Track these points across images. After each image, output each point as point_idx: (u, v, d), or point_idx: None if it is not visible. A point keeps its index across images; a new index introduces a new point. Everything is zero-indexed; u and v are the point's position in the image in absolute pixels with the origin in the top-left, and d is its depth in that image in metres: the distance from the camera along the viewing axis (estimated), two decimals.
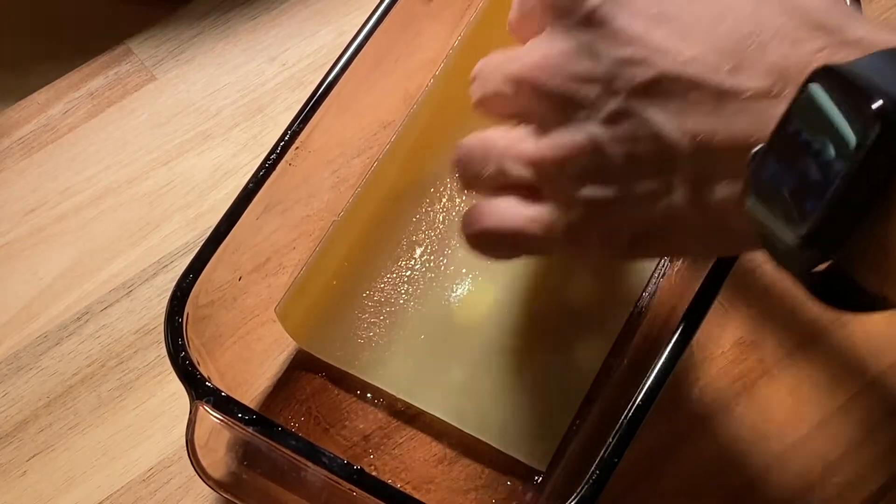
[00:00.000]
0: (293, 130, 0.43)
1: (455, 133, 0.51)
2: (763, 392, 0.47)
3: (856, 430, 0.46)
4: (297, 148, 0.43)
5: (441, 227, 0.49)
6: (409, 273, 0.48)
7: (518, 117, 0.38)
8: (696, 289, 0.40)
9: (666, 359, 0.38)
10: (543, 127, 0.36)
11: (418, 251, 0.48)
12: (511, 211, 0.38)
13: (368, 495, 0.37)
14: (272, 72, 0.56)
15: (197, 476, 0.40)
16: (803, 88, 0.28)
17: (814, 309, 0.49)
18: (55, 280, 0.50)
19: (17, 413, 0.47)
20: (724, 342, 0.48)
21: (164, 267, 0.50)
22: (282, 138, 0.42)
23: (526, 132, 0.37)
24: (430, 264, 0.48)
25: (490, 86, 0.38)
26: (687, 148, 0.32)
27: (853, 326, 0.48)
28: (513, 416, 0.45)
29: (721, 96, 0.31)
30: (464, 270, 0.48)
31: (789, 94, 0.30)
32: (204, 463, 0.41)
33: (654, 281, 0.48)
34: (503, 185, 0.38)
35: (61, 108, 0.54)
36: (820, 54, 0.30)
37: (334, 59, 0.44)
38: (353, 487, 0.37)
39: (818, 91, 0.28)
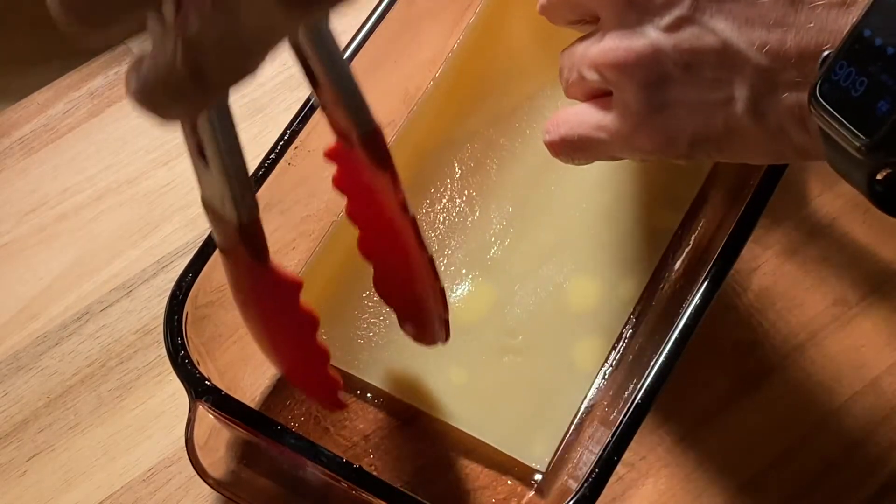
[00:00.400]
0: (293, 130, 0.43)
1: (456, 134, 0.51)
2: (763, 392, 0.47)
3: (856, 430, 0.46)
4: (296, 148, 0.43)
5: (441, 227, 0.49)
6: None
7: (585, 23, 0.38)
8: (698, 287, 0.40)
9: (665, 358, 0.38)
10: (608, 30, 0.36)
11: None
12: (580, 118, 0.38)
13: (368, 495, 0.37)
14: (272, 72, 0.56)
15: (197, 476, 0.40)
16: None
17: (814, 309, 0.49)
18: (55, 280, 0.50)
19: (17, 413, 0.47)
20: (724, 342, 0.48)
21: (164, 267, 0.50)
22: (281, 138, 0.42)
23: (596, 37, 0.37)
24: None
25: None
26: (753, 57, 0.32)
27: (853, 326, 0.48)
28: (512, 416, 0.45)
29: (794, 4, 0.32)
30: (464, 271, 0.48)
31: (862, 1, 0.30)
32: (204, 462, 0.41)
33: (654, 282, 0.48)
34: (587, 91, 0.38)
35: (61, 108, 0.54)
36: None
37: None
38: (353, 487, 0.37)
39: None
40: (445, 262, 0.48)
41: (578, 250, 0.48)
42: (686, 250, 0.48)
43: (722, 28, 0.33)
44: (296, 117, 0.43)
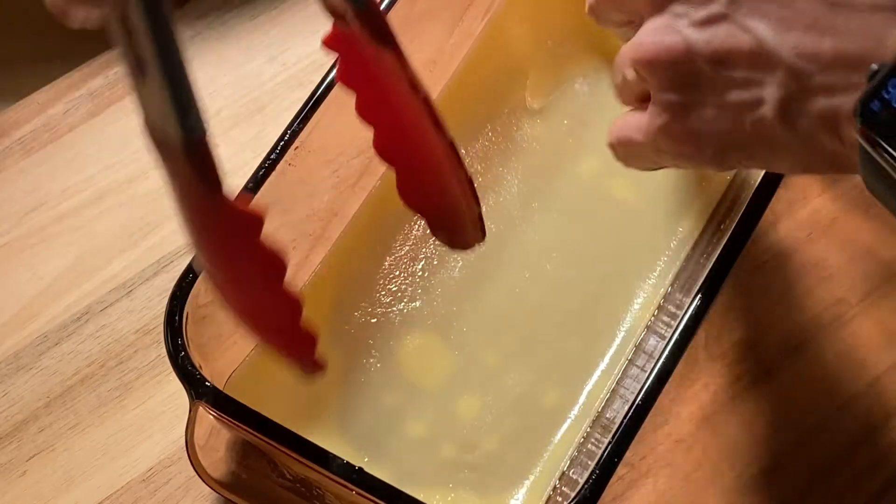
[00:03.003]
0: (293, 130, 0.43)
1: None
2: (763, 392, 0.47)
3: (856, 430, 0.46)
4: (296, 148, 0.43)
5: (409, 288, 0.48)
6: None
7: (633, 25, 0.37)
8: (697, 289, 0.40)
9: (665, 359, 0.38)
10: (645, 26, 0.35)
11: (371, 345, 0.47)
12: (627, 120, 0.38)
13: (368, 495, 0.37)
14: (272, 72, 0.56)
15: (197, 476, 0.40)
16: None
17: (814, 309, 0.49)
18: (55, 280, 0.50)
19: (17, 413, 0.47)
20: (724, 342, 0.48)
21: (164, 267, 0.50)
22: (281, 138, 0.42)
23: (635, 35, 0.36)
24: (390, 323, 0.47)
25: None
26: (786, 59, 0.31)
27: (853, 327, 0.48)
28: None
29: (834, 6, 0.30)
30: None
31: None
32: (204, 463, 0.41)
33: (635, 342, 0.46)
34: (633, 94, 0.38)
35: (61, 108, 0.54)
36: None
37: (334, 59, 0.44)
38: (353, 487, 0.37)
39: None
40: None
41: (543, 357, 0.46)
42: (686, 251, 0.48)
43: (757, 26, 0.32)
44: (296, 117, 0.43)
